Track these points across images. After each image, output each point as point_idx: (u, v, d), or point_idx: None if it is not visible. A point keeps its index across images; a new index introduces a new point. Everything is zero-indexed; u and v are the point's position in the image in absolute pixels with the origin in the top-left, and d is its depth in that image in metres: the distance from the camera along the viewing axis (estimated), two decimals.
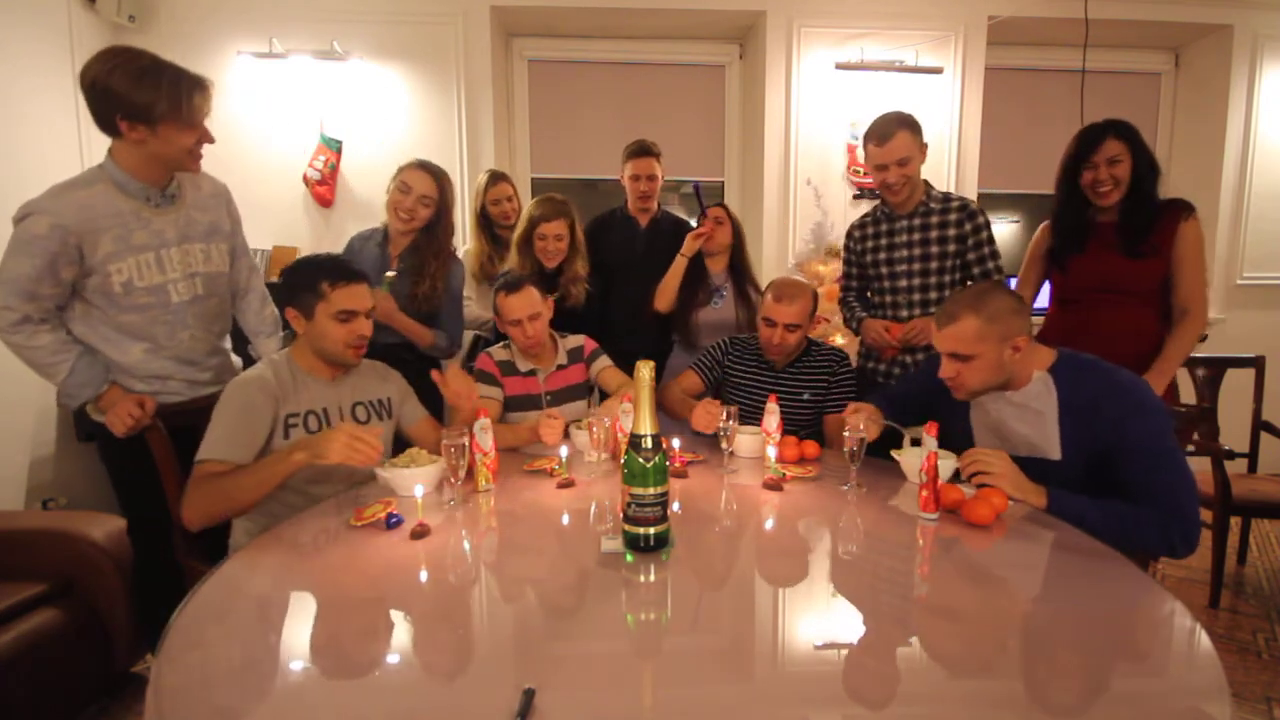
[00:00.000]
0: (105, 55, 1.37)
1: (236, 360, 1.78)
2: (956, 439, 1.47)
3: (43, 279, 1.37)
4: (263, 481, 1.24)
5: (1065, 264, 1.85)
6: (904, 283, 1.97)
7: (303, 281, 1.43)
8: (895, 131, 1.87)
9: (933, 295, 1.95)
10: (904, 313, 1.98)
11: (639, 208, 2.41)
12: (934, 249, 1.92)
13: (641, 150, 2.33)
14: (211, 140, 1.51)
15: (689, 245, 2.19)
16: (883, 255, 2.01)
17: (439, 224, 2.04)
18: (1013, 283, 2.02)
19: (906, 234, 1.95)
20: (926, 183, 1.97)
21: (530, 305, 1.76)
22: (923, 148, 1.90)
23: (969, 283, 1.93)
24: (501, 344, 1.92)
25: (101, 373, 1.47)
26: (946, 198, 1.94)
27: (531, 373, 1.87)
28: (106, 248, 1.41)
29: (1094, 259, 1.80)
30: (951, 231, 1.90)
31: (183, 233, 1.53)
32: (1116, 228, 1.76)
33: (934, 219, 1.92)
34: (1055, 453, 1.31)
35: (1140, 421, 1.21)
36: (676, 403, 1.87)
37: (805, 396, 1.87)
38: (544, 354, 1.88)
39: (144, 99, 1.36)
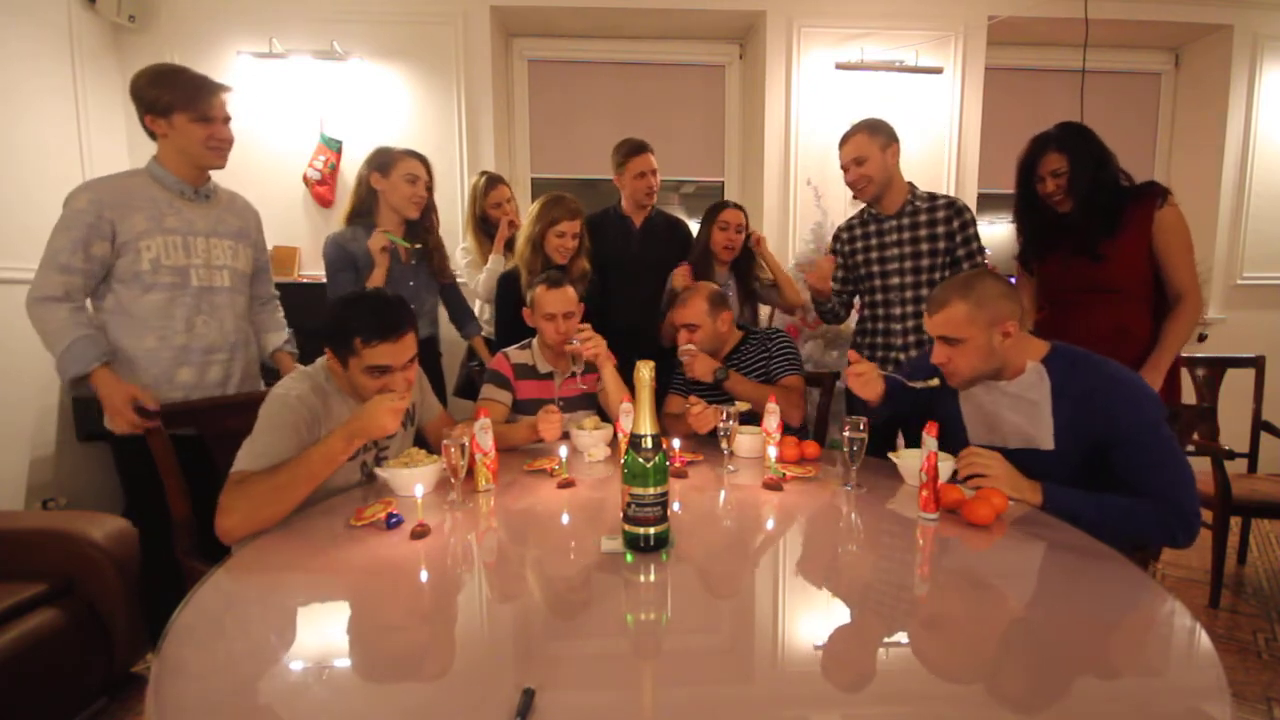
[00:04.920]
0: (141, 70, 1.60)
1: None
2: (947, 430, 1.48)
3: (75, 251, 1.51)
4: (315, 473, 1.22)
5: (1034, 267, 1.89)
6: (895, 280, 2.02)
7: (338, 331, 1.33)
8: (852, 134, 1.96)
9: (924, 291, 1.99)
10: (896, 309, 2.03)
11: (642, 204, 2.39)
12: (924, 246, 1.97)
13: (640, 147, 2.32)
14: (227, 136, 1.66)
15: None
16: (874, 255, 2.06)
17: (431, 203, 2.21)
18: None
19: (896, 234, 2.01)
20: (911, 185, 2.02)
21: (568, 303, 1.81)
22: (885, 147, 1.94)
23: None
24: (519, 345, 1.91)
25: (94, 353, 1.52)
26: (933, 197, 1.99)
27: (549, 375, 1.87)
28: (140, 225, 1.57)
29: (1061, 261, 1.82)
30: (940, 229, 1.95)
31: (213, 228, 1.70)
32: (1076, 230, 1.76)
33: (922, 217, 1.97)
34: (1048, 443, 1.31)
35: (1133, 412, 1.22)
36: (677, 422, 1.85)
37: (756, 376, 1.96)
38: (563, 359, 1.87)
39: (158, 94, 1.57)
